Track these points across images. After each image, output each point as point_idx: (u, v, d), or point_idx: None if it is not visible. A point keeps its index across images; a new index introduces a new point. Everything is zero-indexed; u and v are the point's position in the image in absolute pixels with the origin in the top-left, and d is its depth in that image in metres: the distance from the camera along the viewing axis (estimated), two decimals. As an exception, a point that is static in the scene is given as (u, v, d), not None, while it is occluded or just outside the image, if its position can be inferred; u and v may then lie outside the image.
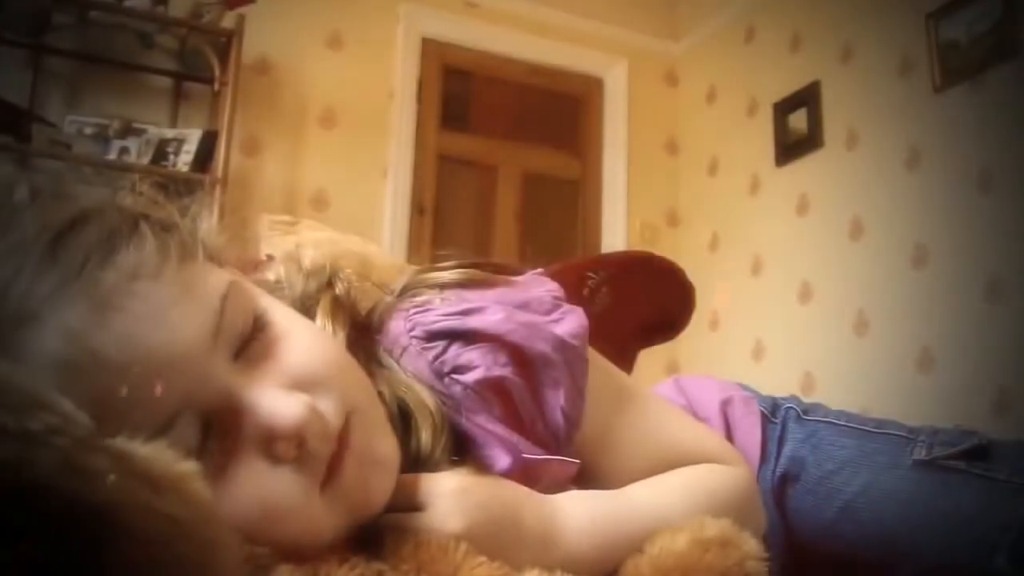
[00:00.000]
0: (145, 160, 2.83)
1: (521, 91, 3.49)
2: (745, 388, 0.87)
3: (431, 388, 0.53)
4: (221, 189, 2.76)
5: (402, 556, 0.45)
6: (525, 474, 0.52)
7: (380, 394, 0.51)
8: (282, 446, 0.42)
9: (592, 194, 3.54)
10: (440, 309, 0.55)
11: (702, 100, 3.82)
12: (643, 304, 1.32)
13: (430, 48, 3.51)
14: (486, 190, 3.45)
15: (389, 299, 0.59)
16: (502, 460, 0.52)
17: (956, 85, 2.61)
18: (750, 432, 0.80)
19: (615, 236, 3.55)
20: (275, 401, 0.43)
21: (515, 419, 0.55)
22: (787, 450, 0.79)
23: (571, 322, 0.57)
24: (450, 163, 3.45)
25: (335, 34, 3.38)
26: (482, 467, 0.51)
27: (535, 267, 0.63)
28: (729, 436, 0.78)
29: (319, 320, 0.54)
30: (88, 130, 2.85)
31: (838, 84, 3.11)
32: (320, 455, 0.43)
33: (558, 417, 0.55)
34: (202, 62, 2.99)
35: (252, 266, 0.62)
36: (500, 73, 3.49)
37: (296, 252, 0.60)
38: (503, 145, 3.47)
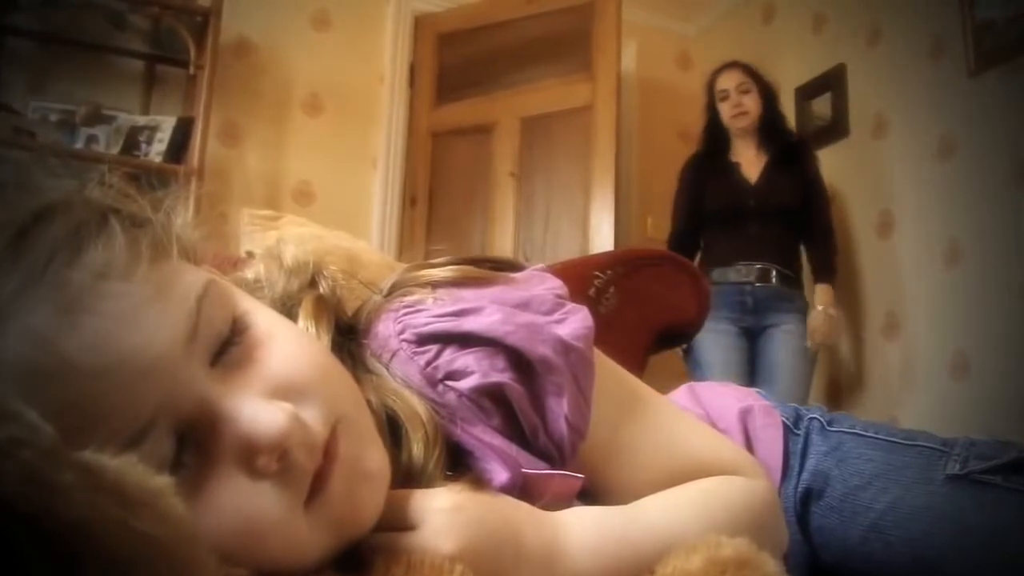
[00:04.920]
0: (115, 149, 2.84)
1: (520, 25, 3.37)
2: (765, 396, 0.87)
3: (423, 396, 0.53)
4: (197, 181, 2.77)
5: (393, 578, 0.45)
6: (526, 489, 0.52)
7: (368, 402, 0.51)
8: (263, 459, 0.42)
9: (606, 118, 3.21)
10: (432, 310, 0.56)
11: (705, 88, 3.81)
12: (654, 305, 1.33)
13: (423, 24, 3.50)
14: (481, 155, 3.37)
15: (377, 299, 0.59)
16: (500, 474, 0.52)
17: (992, 68, 2.62)
18: (771, 444, 0.79)
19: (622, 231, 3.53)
20: (256, 410, 0.43)
21: (515, 429, 0.55)
22: (810, 464, 0.79)
23: (575, 323, 0.57)
24: (444, 138, 3.41)
25: (321, 13, 3.38)
26: (479, 482, 0.50)
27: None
28: (748, 448, 0.78)
29: (302, 322, 0.54)
30: (53, 117, 2.85)
31: (865, 67, 3.11)
32: (304, 468, 0.43)
33: (561, 426, 0.55)
34: (177, 43, 2.99)
35: (231, 264, 0.62)
36: (497, 16, 3.39)
37: (277, 248, 0.60)
38: (499, 97, 3.37)
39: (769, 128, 2.94)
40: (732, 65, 3.03)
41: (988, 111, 2.62)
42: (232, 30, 3.10)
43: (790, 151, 2.91)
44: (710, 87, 3.04)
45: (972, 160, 2.67)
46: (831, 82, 3.24)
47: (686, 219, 2.93)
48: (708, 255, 2.89)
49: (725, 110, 2.96)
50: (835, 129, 3.20)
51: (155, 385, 0.41)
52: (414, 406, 0.52)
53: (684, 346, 2.68)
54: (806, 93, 3.34)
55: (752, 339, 2.78)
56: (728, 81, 2.98)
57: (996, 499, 0.71)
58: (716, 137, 3.00)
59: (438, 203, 3.40)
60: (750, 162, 2.92)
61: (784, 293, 2.79)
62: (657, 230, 3.56)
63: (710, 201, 2.89)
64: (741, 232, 2.81)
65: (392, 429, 0.51)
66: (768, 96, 2.98)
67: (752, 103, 2.94)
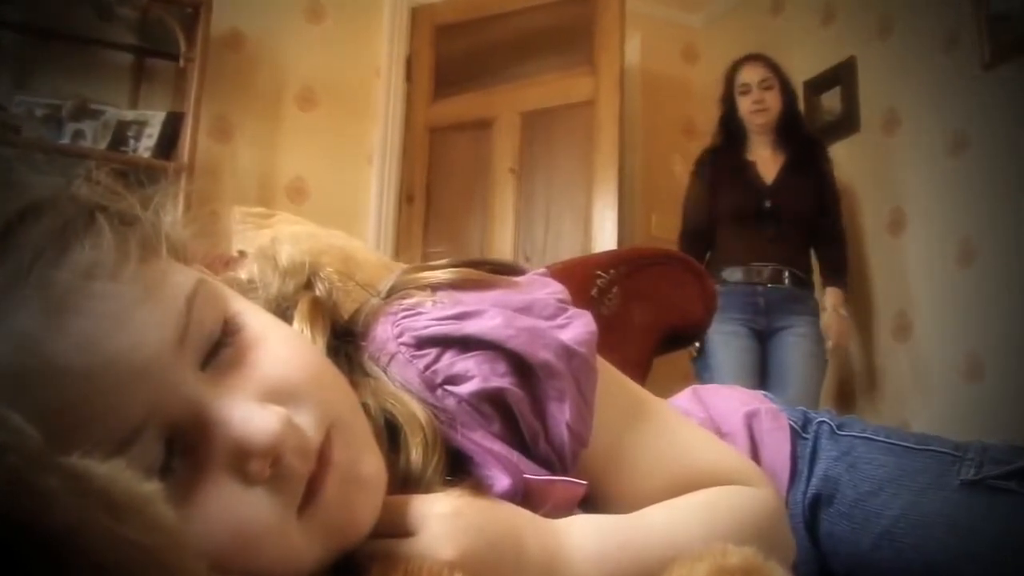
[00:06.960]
0: (102, 145, 2.83)
1: (520, 16, 3.37)
2: (772, 400, 0.87)
3: (422, 400, 0.53)
4: (187, 177, 2.77)
5: (389, 587, 0.45)
6: (527, 496, 0.52)
7: (365, 406, 0.51)
8: (256, 464, 0.42)
9: (608, 112, 3.19)
10: (432, 313, 0.56)
11: (723, 79, 3.81)
12: (658, 306, 1.33)
13: (421, 16, 3.50)
14: (480, 151, 3.36)
15: (375, 301, 0.59)
16: (501, 480, 0.52)
17: (1007, 62, 2.61)
18: (778, 449, 0.79)
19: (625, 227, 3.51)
20: (248, 414, 0.43)
21: (515, 435, 0.55)
22: (819, 469, 0.79)
23: (578, 327, 0.57)
24: (442, 134, 3.40)
25: (315, 4, 3.38)
26: (479, 488, 0.50)
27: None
28: (755, 453, 0.78)
29: (297, 324, 0.54)
30: (39, 111, 2.85)
31: (876, 60, 3.11)
32: (298, 474, 0.43)
33: (563, 433, 0.55)
34: (166, 36, 2.99)
35: (222, 263, 0.62)
36: (497, 7, 3.38)
37: (271, 248, 0.60)
38: (499, 91, 3.36)
39: (787, 127, 2.92)
40: (755, 58, 2.99)
41: (1002, 106, 2.62)
42: (223, 22, 3.10)
43: (806, 152, 2.90)
44: (729, 79, 3.00)
45: (986, 156, 2.66)
46: (841, 76, 3.23)
47: (699, 216, 2.91)
48: (719, 254, 2.88)
49: (744, 105, 2.94)
50: (845, 124, 3.20)
51: (144, 388, 0.40)
52: (413, 410, 0.52)
53: (696, 349, 2.68)
54: (815, 87, 3.34)
55: (763, 341, 2.77)
56: (751, 75, 2.95)
57: (1011, 505, 0.71)
58: (732, 131, 2.98)
59: (436, 200, 3.40)
60: (766, 161, 2.90)
61: (796, 295, 2.78)
62: (661, 228, 3.56)
63: (724, 199, 2.87)
64: (754, 232, 2.80)
65: (390, 434, 0.51)
66: (789, 94, 2.96)
67: (773, 100, 2.92)
